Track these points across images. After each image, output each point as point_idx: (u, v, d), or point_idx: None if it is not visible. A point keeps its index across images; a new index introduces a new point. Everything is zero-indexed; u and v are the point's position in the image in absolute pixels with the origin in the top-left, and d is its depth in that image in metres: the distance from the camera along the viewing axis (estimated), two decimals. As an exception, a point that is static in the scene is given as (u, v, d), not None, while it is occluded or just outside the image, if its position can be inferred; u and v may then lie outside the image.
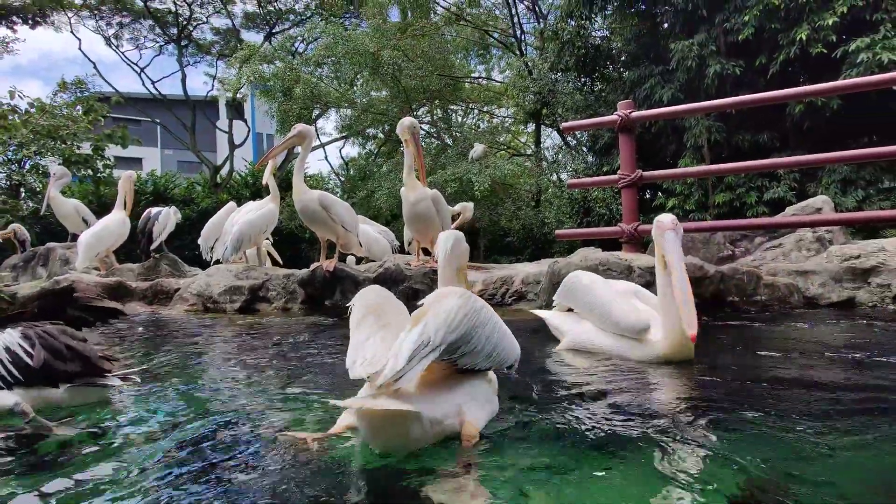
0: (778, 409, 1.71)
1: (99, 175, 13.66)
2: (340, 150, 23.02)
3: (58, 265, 7.41)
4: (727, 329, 3.40)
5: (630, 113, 5.13)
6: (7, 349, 1.80)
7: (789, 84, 8.35)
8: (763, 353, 2.62)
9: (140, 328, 4.21)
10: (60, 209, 7.72)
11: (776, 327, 3.42)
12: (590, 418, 1.64)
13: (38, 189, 12.30)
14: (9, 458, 1.48)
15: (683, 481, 1.17)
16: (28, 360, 1.79)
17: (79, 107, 13.16)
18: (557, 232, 6.03)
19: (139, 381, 2.03)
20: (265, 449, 1.44)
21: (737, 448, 1.35)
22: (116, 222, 6.66)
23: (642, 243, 5.13)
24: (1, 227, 9.36)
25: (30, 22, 17.81)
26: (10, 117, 11.29)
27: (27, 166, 12.53)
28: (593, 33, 13.21)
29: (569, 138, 16.15)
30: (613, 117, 5.21)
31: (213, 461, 1.37)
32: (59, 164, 10.70)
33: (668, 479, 1.19)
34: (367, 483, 1.24)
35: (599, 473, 1.24)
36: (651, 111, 5.78)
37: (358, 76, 15.71)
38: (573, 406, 1.80)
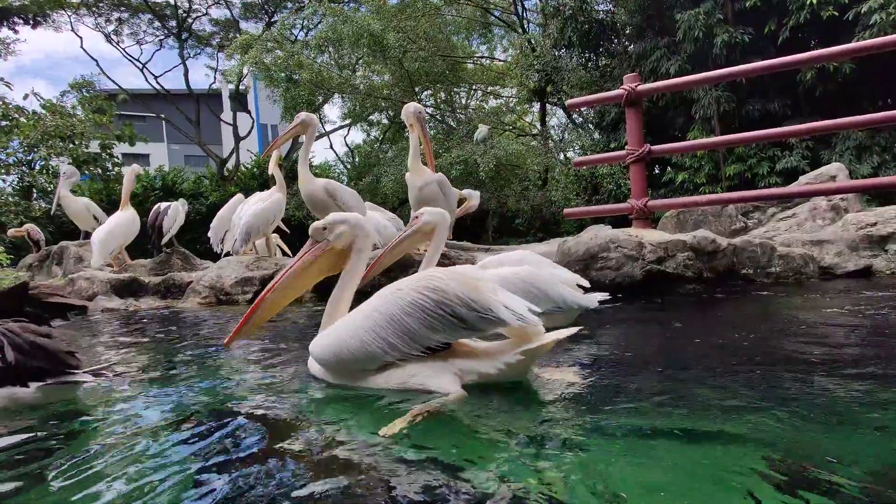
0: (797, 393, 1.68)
1: (108, 174, 13.77)
2: (345, 138, 22.89)
3: (72, 263, 7.49)
4: (733, 303, 3.36)
5: (636, 86, 5.03)
6: None
7: (800, 50, 8.14)
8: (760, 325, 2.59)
9: (153, 323, 4.24)
10: (71, 208, 7.79)
11: (789, 298, 3.38)
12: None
13: (49, 189, 12.40)
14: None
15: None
16: None
17: (79, 109, 13.20)
18: (566, 210, 5.97)
19: (111, 376, 1.96)
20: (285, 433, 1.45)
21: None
22: (127, 219, 6.70)
23: (653, 219, 5.07)
24: (15, 227, 9.46)
25: (31, 22, 17.84)
26: (21, 119, 11.36)
27: (37, 167, 12.64)
28: (596, 7, 12.94)
29: (575, 116, 15.96)
30: (619, 91, 5.12)
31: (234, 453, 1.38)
32: (68, 164, 10.78)
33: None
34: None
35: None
36: (658, 83, 5.66)
37: (359, 61, 15.58)
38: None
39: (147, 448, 1.43)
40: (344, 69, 15.85)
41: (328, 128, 22.17)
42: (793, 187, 5.29)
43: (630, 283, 3.86)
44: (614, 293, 3.84)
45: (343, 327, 1.79)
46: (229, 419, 1.64)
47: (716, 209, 5.02)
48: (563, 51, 13.47)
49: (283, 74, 13.81)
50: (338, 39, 13.90)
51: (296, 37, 17.51)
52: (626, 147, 5.19)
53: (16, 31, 17.23)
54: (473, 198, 7.07)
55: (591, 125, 14.93)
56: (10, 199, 11.87)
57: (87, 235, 7.43)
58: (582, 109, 14.98)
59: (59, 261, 7.83)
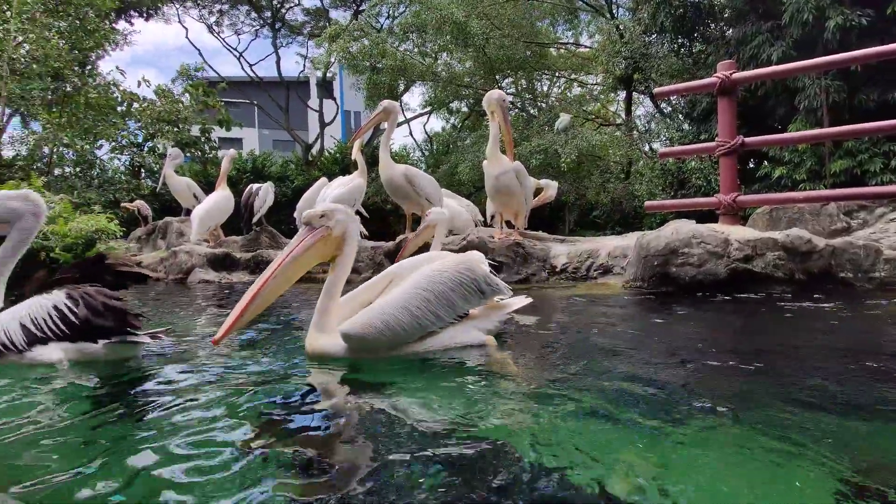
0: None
1: (206, 156, 14.83)
2: (425, 126, 23.19)
3: (174, 237, 8.20)
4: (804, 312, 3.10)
5: (731, 74, 4.73)
6: (55, 307, 2.03)
7: (929, 32, 7.28)
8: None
9: (237, 295, 4.56)
10: (175, 187, 8.51)
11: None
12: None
13: (155, 169, 13.55)
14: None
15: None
16: (72, 317, 2.01)
17: (186, 96, 14.25)
18: (647, 203, 5.74)
19: (164, 338, 2.26)
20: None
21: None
22: (224, 198, 7.24)
23: (742, 215, 4.78)
24: (127, 202, 10.44)
25: (144, 15, 19.52)
26: (134, 105, 12.47)
27: (146, 148, 13.85)
28: (693, -11, 12.18)
29: (663, 105, 15.20)
30: (712, 80, 4.84)
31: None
32: (173, 146, 11.74)
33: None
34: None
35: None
36: (757, 71, 5.27)
37: (442, 49, 15.67)
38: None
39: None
40: (426, 56, 16.01)
41: (409, 115, 22.58)
42: (909, 186, 4.78)
43: (713, 280, 3.68)
44: (696, 291, 3.69)
45: (388, 306, 2.05)
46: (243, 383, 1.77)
47: (814, 207, 4.63)
48: (653, 36, 12.82)
49: (367, 63, 14.17)
50: (421, 26, 14.04)
51: (381, 25, 17.90)
52: (716, 139, 4.90)
53: (132, 24, 18.92)
54: (550, 188, 6.98)
55: (680, 115, 14.15)
56: (123, 177, 13.10)
57: (188, 212, 8.08)
58: (671, 98, 14.23)
59: (163, 235, 8.58)
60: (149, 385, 1.86)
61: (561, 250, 4.98)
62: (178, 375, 1.94)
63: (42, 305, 2.05)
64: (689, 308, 3.32)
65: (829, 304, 3.20)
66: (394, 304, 2.06)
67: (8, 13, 9.43)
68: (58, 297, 2.07)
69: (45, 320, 2.02)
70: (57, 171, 11.00)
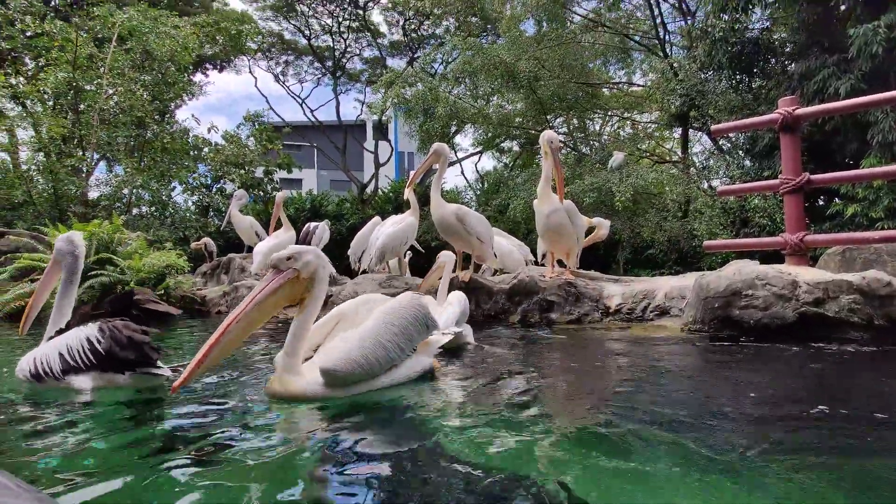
0: None
1: (268, 196, 15.63)
2: (476, 164, 23.55)
3: (236, 273, 8.58)
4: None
5: (794, 110, 4.57)
6: (87, 339, 2.23)
7: None
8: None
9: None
10: (239, 225, 8.97)
11: None
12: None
13: (221, 208, 14.39)
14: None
15: None
16: (100, 348, 2.20)
17: (251, 140, 15.18)
18: (706, 243, 5.51)
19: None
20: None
21: None
22: (287, 238, 7.58)
23: (810, 256, 4.52)
24: (195, 240, 11.08)
25: (218, 67, 21.14)
26: (205, 150, 13.41)
27: (214, 190, 14.76)
28: (749, 27, 11.97)
29: (722, 142, 14.79)
30: (773, 116, 4.68)
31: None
32: (238, 188, 12.45)
33: None
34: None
35: None
36: (823, 106, 5.06)
37: (494, 91, 16.02)
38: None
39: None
40: (479, 99, 16.38)
41: (461, 155, 23.01)
42: None
43: (780, 325, 3.46)
44: (761, 335, 3.48)
45: (363, 340, 2.13)
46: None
47: (893, 248, 4.32)
48: (709, 73, 12.61)
49: (420, 107, 14.66)
50: (472, 72, 14.47)
51: (436, 70, 18.56)
52: (779, 176, 4.70)
53: (206, 76, 20.49)
54: (603, 227, 6.86)
55: (740, 151, 13.69)
56: (192, 216, 13.95)
57: (250, 249, 8.47)
58: (730, 135, 13.83)
59: (226, 270, 9.00)
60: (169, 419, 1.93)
61: (615, 290, 4.85)
62: (191, 409, 2.02)
63: (78, 337, 2.28)
64: (754, 353, 3.13)
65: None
66: (367, 338, 2.14)
67: (102, 69, 10.47)
68: (91, 329, 2.29)
69: (78, 351, 2.23)
70: (135, 211, 11.86)
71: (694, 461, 1.39)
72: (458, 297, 3.72)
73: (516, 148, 19.19)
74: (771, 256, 6.27)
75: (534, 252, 7.07)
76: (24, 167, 10.15)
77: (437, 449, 1.52)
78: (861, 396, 2.20)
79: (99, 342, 2.23)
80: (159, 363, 2.32)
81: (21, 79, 10.81)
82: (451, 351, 3.29)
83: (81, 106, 10.50)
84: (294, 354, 2.08)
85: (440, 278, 3.94)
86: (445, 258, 3.94)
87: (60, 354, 2.24)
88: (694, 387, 2.38)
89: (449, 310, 3.50)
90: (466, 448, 1.52)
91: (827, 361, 2.91)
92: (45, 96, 10.60)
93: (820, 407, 1.91)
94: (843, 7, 10.59)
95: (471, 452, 1.48)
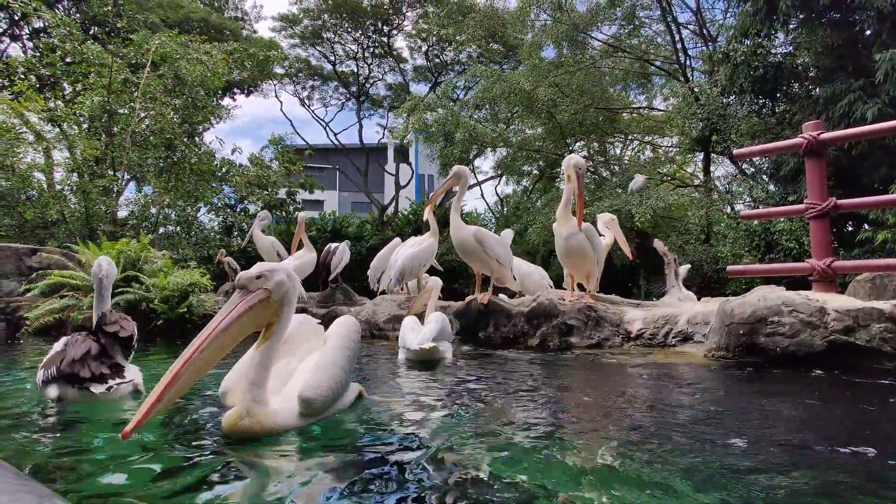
0: None
1: (290, 217, 15.88)
2: (496, 188, 23.65)
3: (257, 292, 8.66)
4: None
5: (819, 135, 4.52)
6: (55, 353, 2.49)
7: None
8: None
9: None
10: (261, 245, 9.11)
11: None
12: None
13: (244, 228, 14.66)
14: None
15: None
16: (59, 363, 2.38)
17: (275, 162, 15.50)
18: (729, 268, 5.41)
19: (115, 387, 2.46)
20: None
21: None
22: (309, 259, 7.68)
23: (839, 283, 4.40)
24: (220, 255, 11.26)
25: (245, 92, 21.76)
26: (230, 171, 13.74)
27: (238, 210, 15.07)
28: (772, 51, 11.91)
29: (745, 166, 14.63)
30: (798, 140, 4.63)
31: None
32: (261, 208, 12.68)
33: None
34: None
35: None
36: (849, 131, 4.99)
37: (514, 116, 16.17)
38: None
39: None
40: (499, 123, 16.54)
41: (480, 178, 23.14)
42: None
43: (807, 353, 3.37)
44: (788, 363, 3.39)
45: (327, 366, 2.10)
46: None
47: (926, 275, 4.20)
48: (731, 98, 12.55)
49: (441, 132, 14.86)
50: (492, 99, 14.66)
51: (458, 95, 18.83)
52: (805, 201, 4.63)
53: (234, 100, 21.09)
54: (613, 222, 6.78)
55: (764, 176, 13.51)
56: (216, 235, 14.21)
57: (271, 269, 8.56)
58: (754, 159, 13.69)
59: (247, 289, 9.10)
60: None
61: (636, 315, 4.78)
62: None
63: (53, 349, 2.54)
64: (781, 382, 3.04)
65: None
66: (331, 364, 2.11)
67: (135, 93, 10.86)
68: (58, 345, 2.53)
69: (47, 364, 2.43)
70: (161, 230, 12.13)
71: (710, 493, 1.34)
72: (438, 316, 3.99)
73: (535, 172, 19.26)
74: (797, 282, 6.12)
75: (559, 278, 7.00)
76: (58, 187, 10.51)
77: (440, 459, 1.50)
78: None
79: (61, 359, 2.40)
80: (111, 381, 2.41)
81: (59, 102, 11.26)
82: (430, 364, 3.68)
83: (115, 128, 10.87)
84: (262, 385, 1.88)
85: (426, 304, 4.26)
86: (434, 283, 4.32)
87: (43, 367, 2.44)
88: (716, 419, 2.31)
89: (428, 326, 3.85)
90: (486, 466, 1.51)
91: (860, 392, 2.81)
92: (81, 119, 11.01)
93: (852, 448, 1.84)
94: (868, 32, 10.49)
95: (485, 475, 1.46)
